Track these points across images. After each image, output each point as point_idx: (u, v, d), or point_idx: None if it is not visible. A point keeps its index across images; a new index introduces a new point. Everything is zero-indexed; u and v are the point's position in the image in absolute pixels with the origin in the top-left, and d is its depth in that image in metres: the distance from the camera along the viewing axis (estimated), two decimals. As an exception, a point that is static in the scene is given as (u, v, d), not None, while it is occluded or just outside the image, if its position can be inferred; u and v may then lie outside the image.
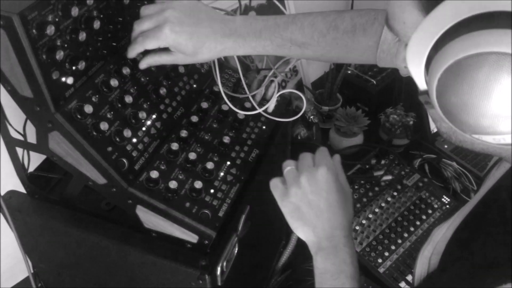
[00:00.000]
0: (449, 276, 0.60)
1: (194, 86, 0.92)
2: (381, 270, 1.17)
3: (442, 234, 0.69)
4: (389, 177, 1.35)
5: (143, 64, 0.81)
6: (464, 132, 0.48)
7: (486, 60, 0.42)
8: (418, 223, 1.26)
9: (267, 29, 0.80)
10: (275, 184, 0.75)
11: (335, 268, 0.70)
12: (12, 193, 0.89)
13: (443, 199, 1.32)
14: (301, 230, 0.73)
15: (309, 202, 0.71)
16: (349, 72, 1.59)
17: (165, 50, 0.80)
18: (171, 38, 0.77)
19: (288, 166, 0.75)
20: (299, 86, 1.62)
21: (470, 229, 0.63)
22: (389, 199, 1.31)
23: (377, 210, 1.28)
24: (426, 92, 0.50)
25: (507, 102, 0.42)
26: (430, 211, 1.29)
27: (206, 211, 0.77)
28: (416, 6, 0.48)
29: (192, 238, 0.77)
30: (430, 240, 0.72)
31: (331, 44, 0.81)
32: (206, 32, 0.78)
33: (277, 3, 1.17)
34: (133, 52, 0.79)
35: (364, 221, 1.26)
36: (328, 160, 0.76)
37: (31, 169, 0.90)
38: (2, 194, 0.87)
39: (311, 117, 1.43)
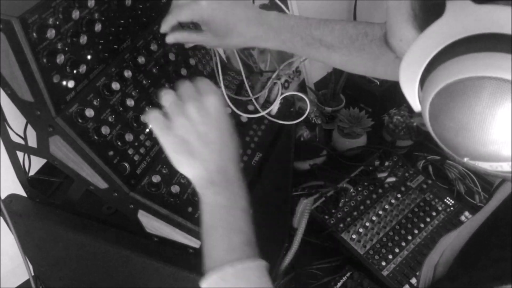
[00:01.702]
0: (459, 286, 0.59)
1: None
2: (385, 273, 1.16)
3: (449, 243, 0.67)
4: (392, 179, 1.34)
5: (171, 38, 0.80)
6: (459, 157, 0.45)
7: (483, 85, 0.39)
8: (422, 225, 1.25)
9: (299, 26, 0.81)
10: (154, 117, 0.66)
11: (228, 202, 0.65)
12: (12, 197, 0.88)
13: (447, 201, 1.31)
14: (188, 165, 0.66)
15: (199, 133, 0.65)
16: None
17: (196, 29, 0.79)
18: (206, 12, 0.76)
19: (168, 96, 0.67)
20: (302, 86, 1.61)
21: (483, 241, 0.61)
22: (393, 201, 1.30)
23: (380, 212, 1.27)
24: (420, 114, 0.48)
25: (503, 129, 0.40)
26: (434, 214, 1.28)
27: (209, 216, 0.76)
28: (412, 23, 0.46)
29: (194, 243, 0.76)
30: (436, 248, 0.71)
31: (358, 50, 0.82)
32: (241, 15, 0.79)
33: (279, 3, 1.16)
34: (166, 24, 0.79)
35: (367, 224, 1.25)
36: (214, 88, 0.68)
37: (31, 172, 0.89)
38: (3, 197, 0.86)
39: (314, 118, 1.42)
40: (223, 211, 0.65)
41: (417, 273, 1.16)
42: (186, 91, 0.66)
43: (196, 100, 0.65)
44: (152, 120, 0.66)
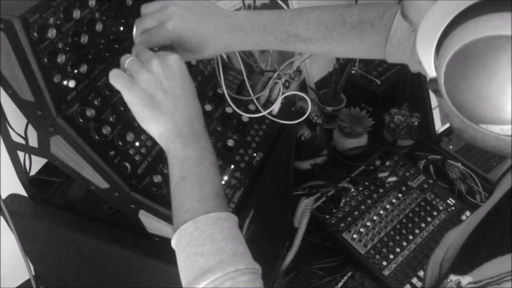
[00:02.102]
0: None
1: (197, 88, 0.91)
2: (386, 272, 1.16)
3: (454, 239, 0.67)
4: (393, 179, 1.34)
5: None
6: (472, 122, 0.46)
7: (496, 44, 0.40)
8: (423, 225, 1.25)
9: (271, 24, 0.78)
10: (116, 73, 0.67)
11: (197, 154, 0.65)
12: (13, 197, 0.88)
13: (448, 201, 1.31)
14: (156, 120, 0.66)
15: (164, 88, 0.66)
16: (353, 72, 1.58)
17: (170, 47, 0.79)
18: (174, 34, 0.76)
19: (128, 58, 0.68)
20: (303, 86, 1.61)
21: (484, 235, 0.61)
22: (394, 200, 1.30)
23: (381, 212, 1.27)
24: (435, 80, 0.49)
25: None
26: (435, 213, 1.28)
27: (210, 216, 0.76)
28: None
29: (196, 243, 0.76)
30: (441, 244, 0.71)
31: (337, 40, 0.79)
32: (209, 28, 0.77)
33: (280, 3, 1.16)
34: (137, 51, 0.77)
35: (368, 223, 1.25)
36: (173, 51, 0.70)
37: (32, 172, 0.89)
38: (4, 197, 0.86)
39: (315, 117, 1.42)
40: (193, 162, 0.64)
41: (418, 273, 1.16)
42: (145, 53, 0.68)
43: (159, 56, 0.67)
44: (114, 76, 0.67)
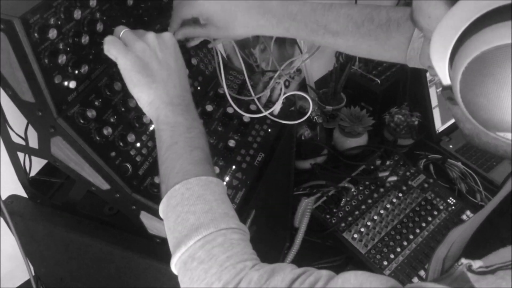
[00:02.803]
0: None
1: (198, 88, 0.90)
2: (387, 272, 1.16)
3: (458, 236, 0.67)
4: (394, 178, 1.34)
5: (179, 35, 0.81)
6: (488, 130, 0.46)
7: None
8: (423, 224, 1.25)
9: (303, 13, 0.80)
10: (112, 39, 0.68)
11: (188, 122, 0.66)
12: (13, 198, 0.87)
13: (448, 200, 1.31)
14: (148, 87, 0.66)
15: (159, 59, 0.68)
16: (353, 71, 1.57)
17: (200, 24, 0.80)
18: (204, 6, 0.77)
19: (123, 29, 0.70)
20: (303, 85, 1.60)
21: (493, 227, 0.61)
22: (394, 200, 1.30)
23: (382, 211, 1.27)
24: (449, 88, 0.48)
25: None
26: (435, 213, 1.28)
27: (212, 217, 0.76)
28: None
29: (197, 244, 0.76)
30: (445, 241, 0.71)
31: (364, 36, 0.80)
32: (240, 5, 0.78)
33: None
34: (172, 23, 0.80)
35: (369, 223, 1.24)
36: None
37: (32, 173, 0.88)
38: (4, 198, 0.86)
39: (315, 117, 1.41)
40: (184, 129, 0.66)
41: (419, 272, 1.16)
42: (138, 30, 0.70)
43: (154, 32, 0.69)
44: (109, 41, 0.67)
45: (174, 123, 0.66)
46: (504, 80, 0.41)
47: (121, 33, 0.69)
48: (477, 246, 0.62)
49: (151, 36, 0.68)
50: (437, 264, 0.70)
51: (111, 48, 0.67)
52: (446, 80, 0.49)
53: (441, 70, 0.48)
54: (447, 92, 0.49)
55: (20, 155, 0.83)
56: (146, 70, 0.66)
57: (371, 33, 0.80)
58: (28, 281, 0.97)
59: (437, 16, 0.47)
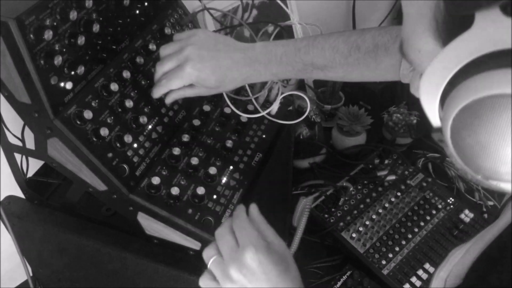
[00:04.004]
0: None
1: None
2: (385, 272, 1.16)
3: (459, 258, 0.66)
4: (392, 177, 1.34)
5: (169, 99, 0.82)
6: (479, 176, 0.43)
7: (506, 102, 0.37)
8: (422, 223, 1.25)
9: (287, 55, 0.80)
10: (205, 284, 0.69)
11: None
12: (11, 199, 0.87)
13: (447, 199, 1.31)
14: None
15: None
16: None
17: (189, 85, 0.80)
18: (194, 75, 0.77)
19: (211, 257, 0.68)
20: (301, 84, 1.60)
21: (496, 260, 0.60)
22: (392, 199, 1.30)
23: (380, 210, 1.27)
24: (439, 130, 0.46)
25: None
26: (434, 212, 1.28)
27: (209, 218, 0.76)
28: (433, 34, 0.44)
29: (195, 245, 0.76)
30: (447, 261, 0.69)
31: (353, 65, 0.80)
32: (227, 64, 0.79)
33: (279, 2, 1.15)
34: (158, 93, 0.80)
35: (367, 222, 1.24)
36: (249, 232, 0.67)
37: (29, 174, 0.88)
38: (1, 199, 0.86)
39: (314, 116, 1.41)
40: None
41: (417, 272, 1.16)
42: (224, 245, 0.67)
43: (236, 260, 0.65)
44: (204, 283, 0.69)
45: None
46: (496, 131, 0.39)
47: (210, 263, 0.68)
48: (477, 277, 0.61)
49: (235, 273, 0.65)
50: (439, 283, 0.69)
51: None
52: (436, 122, 0.46)
53: (431, 111, 0.46)
54: (437, 134, 0.47)
55: (17, 156, 0.83)
56: None
57: (360, 61, 0.79)
58: (26, 282, 0.97)
59: (427, 51, 0.45)
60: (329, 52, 0.79)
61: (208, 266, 0.68)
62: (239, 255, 0.65)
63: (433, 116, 0.46)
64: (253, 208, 0.72)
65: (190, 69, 0.77)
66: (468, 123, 0.40)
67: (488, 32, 0.39)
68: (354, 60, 0.79)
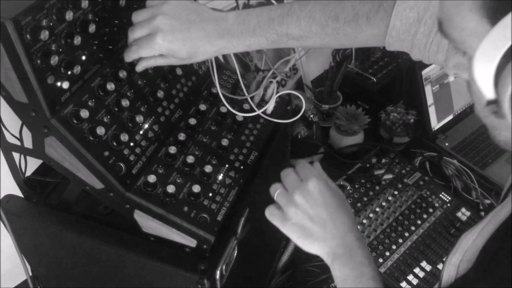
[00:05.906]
0: (489, 279, 0.58)
1: (192, 88, 0.91)
2: (382, 269, 1.17)
3: (471, 241, 0.66)
4: (389, 176, 1.35)
5: (139, 67, 0.81)
6: None
7: None
8: (419, 222, 1.26)
9: (261, 26, 0.77)
10: (271, 212, 0.76)
11: (354, 272, 0.70)
12: (9, 198, 0.88)
13: (444, 198, 1.31)
14: (312, 246, 0.73)
15: (311, 217, 0.72)
16: (349, 69, 1.58)
17: (160, 54, 0.79)
18: (164, 47, 0.76)
19: (277, 190, 0.76)
20: (299, 84, 1.61)
21: (497, 247, 0.60)
22: (390, 198, 1.30)
23: (377, 209, 1.28)
24: (494, 102, 0.46)
25: None
26: (431, 210, 1.28)
27: (205, 215, 0.77)
28: (478, 12, 0.44)
29: (191, 242, 0.76)
30: (458, 247, 0.69)
31: (331, 35, 0.78)
32: (199, 35, 0.77)
33: (274, 2, 1.15)
34: (128, 58, 0.79)
35: (365, 221, 1.25)
36: (312, 170, 0.76)
37: (28, 173, 0.89)
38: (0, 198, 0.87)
39: (311, 115, 1.42)
40: (351, 281, 0.71)
41: (414, 270, 1.16)
42: (289, 180, 0.75)
43: (299, 188, 0.73)
44: (270, 215, 0.76)
45: (342, 277, 0.72)
46: None
47: (275, 195, 0.76)
48: (489, 260, 0.61)
49: (298, 197, 0.73)
50: (451, 271, 0.69)
51: (273, 221, 0.76)
52: (490, 95, 0.47)
53: (485, 84, 0.46)
54: (491, 107, 0.47)
55: (16, 155, 0.84)
56: (304, 231, 0.73)
57: (338, 31, 0.77)
58: (25, 281, 0.98)
59: (471, 29, 0.46)
60: (305, 22, 0.77)
61: (274, 197, 0.75)
62: (303, 184, 0.74)
63: (488, 89, 0.46)
64: (317, 163, 0.79)
65: (161, 40, 0.75)
66: None
67: None
68: (332, 30, 0.77)
